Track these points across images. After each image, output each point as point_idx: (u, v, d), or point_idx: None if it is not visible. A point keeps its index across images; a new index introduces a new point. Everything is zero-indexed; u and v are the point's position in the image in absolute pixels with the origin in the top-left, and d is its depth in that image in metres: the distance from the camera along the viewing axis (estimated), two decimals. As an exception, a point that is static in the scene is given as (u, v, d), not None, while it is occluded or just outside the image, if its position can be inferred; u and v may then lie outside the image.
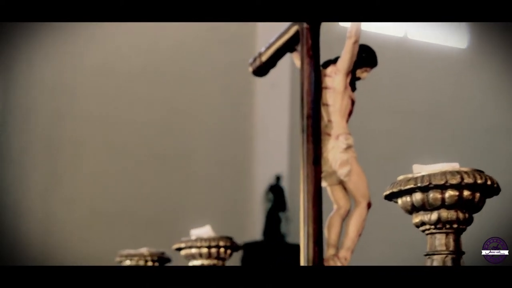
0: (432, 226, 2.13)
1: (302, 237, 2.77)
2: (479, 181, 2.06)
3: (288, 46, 3.05)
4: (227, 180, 8.43)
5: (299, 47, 2.94)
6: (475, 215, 2.16)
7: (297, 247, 2.81)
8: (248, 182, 8.53)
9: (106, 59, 7.99)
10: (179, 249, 3.17)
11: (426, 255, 2.16)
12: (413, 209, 2.12)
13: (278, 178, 8.34)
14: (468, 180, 2.06)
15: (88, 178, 7.66)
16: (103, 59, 7.97)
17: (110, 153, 7.85)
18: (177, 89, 8.33)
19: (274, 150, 8.56)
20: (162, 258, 3.53)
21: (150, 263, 3.53)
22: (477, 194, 2.09)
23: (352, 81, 2.92)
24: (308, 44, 2.87)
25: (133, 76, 8.12)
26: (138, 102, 8.12)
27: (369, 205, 2.83)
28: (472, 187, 2.07)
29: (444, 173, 2.06)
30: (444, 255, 2.14)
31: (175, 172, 8.17)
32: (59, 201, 7.44)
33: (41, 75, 7.56)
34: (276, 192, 8.31)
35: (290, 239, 7.94)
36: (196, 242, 3.11)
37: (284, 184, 8.33)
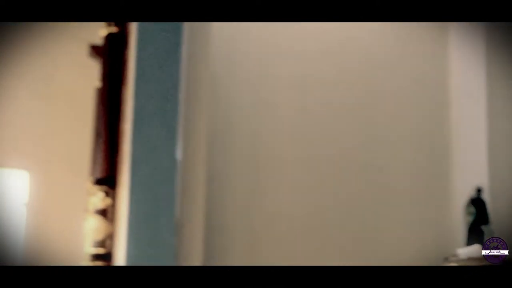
0: None
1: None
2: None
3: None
4: (425, 193, 8.35)
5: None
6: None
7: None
8: (447, 195, 8.40)
9: (299, 72, 8.20)
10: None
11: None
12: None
13: (479, 191, 8.15)
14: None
15: (289, 193, 7.86)
16: (297, 72, 8.17)
17: (308, 167, 8.02)
18: (370, 101, 8.39)
19: (473, 162, 8.38)
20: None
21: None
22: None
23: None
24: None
25: (327, 89, 8.27)
26: (333, 115, 8.25)
27: None
28: None
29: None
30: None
31: (372, 185, 8.20)
32: (261, 217, 7.69)
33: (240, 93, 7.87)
34: (477, 205, 8.13)
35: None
36: (468, 261, 3.06)
37: (486, 196, 8.14)
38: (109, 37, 6.16)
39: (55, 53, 7.52)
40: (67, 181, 7.32)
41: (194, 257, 5.45)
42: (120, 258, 4.75)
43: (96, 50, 6.53)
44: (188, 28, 4.98)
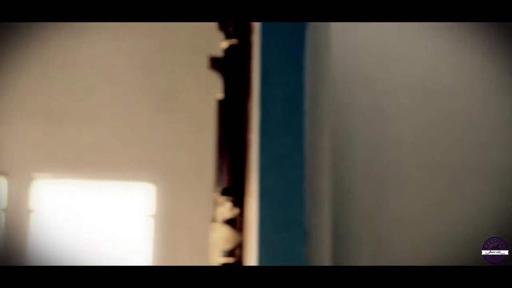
0: None
1: None
2: None
3: None
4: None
5: None
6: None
7: None
8: None
9: (418, 77, 8.05)
10: None
11: None
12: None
13: None
14: None
15: (412, 197, 7.72)
16: (416, 77, 8.03)
17: (430, 172, 7.85)
18: (490, 105, 8.15)
19: None
20: None
21: None
22: None
23: None
24: None
25: (445, 93, 8.08)
26: (452, 120, 8.05)
27: None
28: None
29: None
30: None
31: (497, 188, 7.95)
32: (386, 223, 7.58)
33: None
34: None
35: None
36: None
37: None
38: (229, 49, 6.22)
39: (177, 67, 7.67)
40: (192, 192, 7.45)
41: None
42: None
43: (216, 62, 6.61)
44: (310, 35, 4.96)
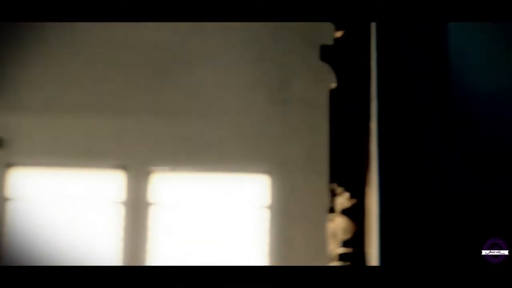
0: None
1: None
2: None
3: None
4: None
5: None
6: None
7: None
8: None
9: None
10: None
11: None
12: None
13: None
14: None
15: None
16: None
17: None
18: None
19: None
20: None
21: None
22: None
23: None
24: None
25: None
26: None
27: None
28: None
29: None
30: None
31: None
32: None
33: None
34: None
35: None
36: None
37: None
38: (341, 38, 6.16)
39: (289, 58, 7.67)
40: (306, 183, 7.44)
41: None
42: (371, 258, 4.72)
43: (328, 52, 6.57)
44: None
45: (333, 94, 6.51)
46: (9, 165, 7.51)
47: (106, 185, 7.52)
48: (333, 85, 6.42)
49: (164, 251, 7.45)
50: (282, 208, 7.44)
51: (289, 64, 7.68)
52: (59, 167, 7.52)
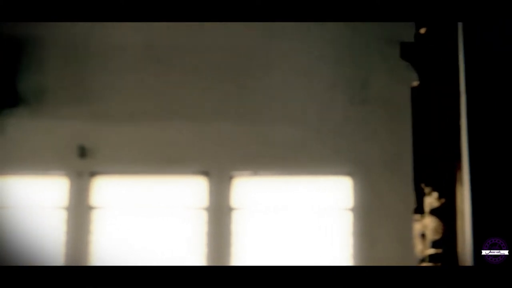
0: None
1: None
2: None
3: None
4: None
5: None
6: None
7: None
8: None
9: None
10: None
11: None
12: None
13: None
14: None
15: None
16: None
17: None
18: None
19: None
20: None
21: None
22: None
23: None
24: None
25: None
26: None
27: None
28: None
29: None
30: None
31: None
32: None
33: None
34: None
35: None
36: None
37: None
38: (424, 35, 6.06)
39: (368, 57, 7.59)
40: (389, 183, 7.34)
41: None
42: (464, 259, 4.61)
43: (409, 50, 6.46)
44: None
45: (415, 92, 6.41)
46: (93, 174, 7.64)
47: (188, 192, 7.57)
48: (415, 83, 6.32)
49: (248, 255, 7.45)
50: (365, 209, 7.35)
51: (369, 63, 7.59)
52: (142, 175, 7.60)
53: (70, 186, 7.60)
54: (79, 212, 7.57)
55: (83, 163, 7.61)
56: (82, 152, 7.61)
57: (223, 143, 7.56)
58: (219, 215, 7.49)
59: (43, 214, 7.61)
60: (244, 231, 7.48)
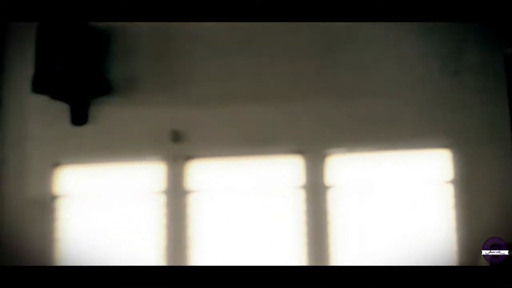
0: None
1: None
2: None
3: None
4: None
5: None
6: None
7: None
8: None
9: None
10: None
11: None
12: None
13: None
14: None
15: None
16: None
17: None
18: None
19: None
20: None
21: None
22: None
23: None
24: None
25: None
26: None
27: None
28: None
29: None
30: None
31: None
32: None
33: None
34: None
35: None
36: None
37: None
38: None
39: (459, 25, 7.42)
40: (489, 153, 7.21)
41: None
42: None
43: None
44: None
45: (510, 59, 6.26)
46: (188, 157, 7.67)
47: (283, 171, 7.55)
48: (510, 50, 6.18)
49: (349, 232, 7.40)
50: (466, 181, 7.22)
51: (460, 33, 7.44)
52: (236, 157, 7.61)
53: (166, 171, 7.66)
54: (176, 196, 7.62)
55: (178, 147, 7.65)
56: (176, 137, 7.65)
57: (316, 121, 7.50)
58: (316, 194, 7.45)
59: (143, 200, 7.68)
60: (340, 209, 7.42)
